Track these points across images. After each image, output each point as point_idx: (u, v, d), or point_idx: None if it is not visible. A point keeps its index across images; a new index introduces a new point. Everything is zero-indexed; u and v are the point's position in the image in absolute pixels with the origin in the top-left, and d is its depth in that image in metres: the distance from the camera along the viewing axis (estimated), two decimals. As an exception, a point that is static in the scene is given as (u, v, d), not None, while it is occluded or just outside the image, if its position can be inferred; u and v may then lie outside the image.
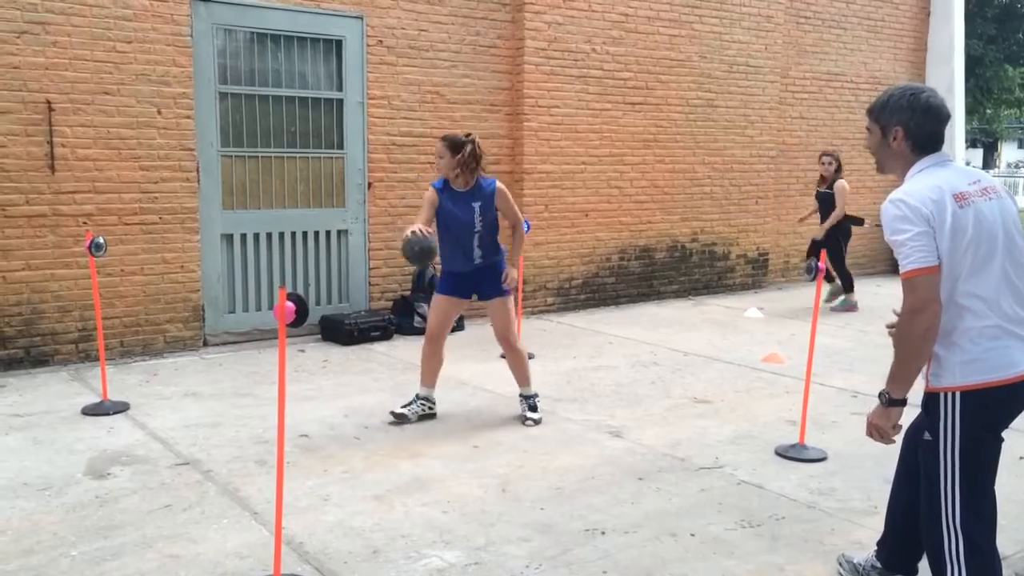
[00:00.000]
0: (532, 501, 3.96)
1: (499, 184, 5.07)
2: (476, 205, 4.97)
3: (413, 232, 4.65)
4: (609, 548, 3.49)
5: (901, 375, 2.57)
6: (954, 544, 2.59)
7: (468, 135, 4.99)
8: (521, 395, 5.27)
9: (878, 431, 2.67)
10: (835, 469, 4.41)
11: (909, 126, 2.60)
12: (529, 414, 5.16)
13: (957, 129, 12.01)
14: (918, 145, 2.62)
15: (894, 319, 2.67)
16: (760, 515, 3.83)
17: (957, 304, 2.53)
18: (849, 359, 6.73)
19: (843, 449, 4.69)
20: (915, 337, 2.50)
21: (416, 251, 4.66)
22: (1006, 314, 2.54)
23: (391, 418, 5.08)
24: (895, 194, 2.55)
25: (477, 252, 5.03)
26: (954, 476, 2.58)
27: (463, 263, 5.05)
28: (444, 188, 5.02)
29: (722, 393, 5.81)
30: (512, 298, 5.19)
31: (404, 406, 5.13)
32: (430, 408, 5.19)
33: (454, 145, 4.92)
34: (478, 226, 4.98)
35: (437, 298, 5.16)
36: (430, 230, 4.78)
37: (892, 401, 2.61)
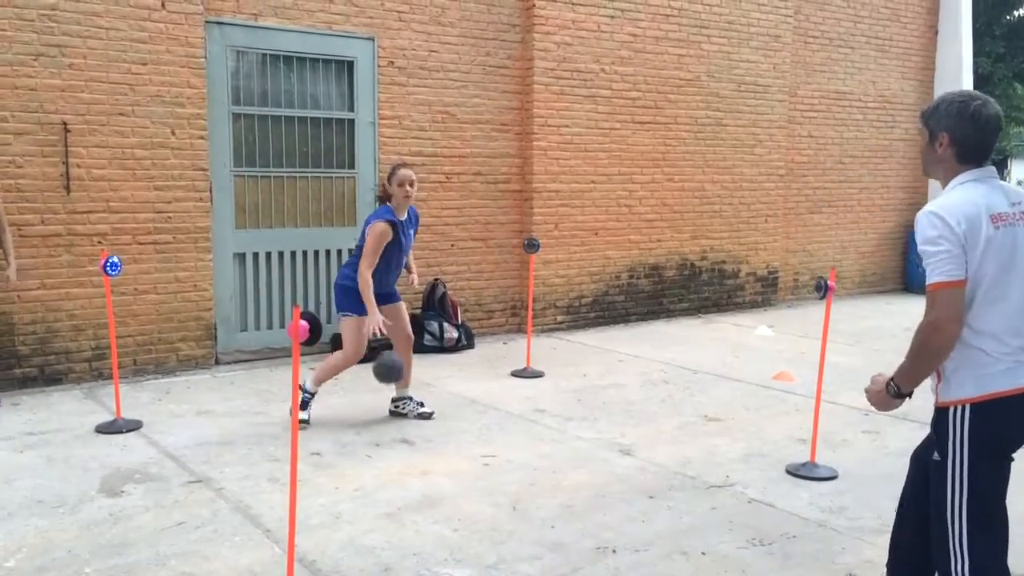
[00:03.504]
0: (543, 519, 3.97)
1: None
2: (412, 232, 5.41)
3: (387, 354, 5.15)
4: (620, 566, 3.50)
5: (911, 375, 2.60)
6: (960, 566, 2.57)
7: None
8: (408, 396, 5.56)
9: (875, 406, 2.72)
10: (846, 488, 4.40)
11: (955, 134, 2.57)
12: (423, 410, 5.53)
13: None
14: (962, 155, 2.59)
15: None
16: (771, 534, 3.83)
17: (968, 326, 2.52)
18: (860, 377, 6.69)
19: (854, 468, 4.68)
20: (929, 352, 2.52)
21: (387, 372, 5.05)
22: (1020, 338, 2.54)
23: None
24: (931, 206, 2.54)
25: (400, 273, 5.48)
26: (962, 496, 2.56)
27: (387, 285, 5.34)
28: (395, 219, 5.17)
29: (732, 411, 5.81)
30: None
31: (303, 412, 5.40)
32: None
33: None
34: (409, 250, 5.43)
35: (356, 320, 5.15)
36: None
37: (899, 394, 2.64)
